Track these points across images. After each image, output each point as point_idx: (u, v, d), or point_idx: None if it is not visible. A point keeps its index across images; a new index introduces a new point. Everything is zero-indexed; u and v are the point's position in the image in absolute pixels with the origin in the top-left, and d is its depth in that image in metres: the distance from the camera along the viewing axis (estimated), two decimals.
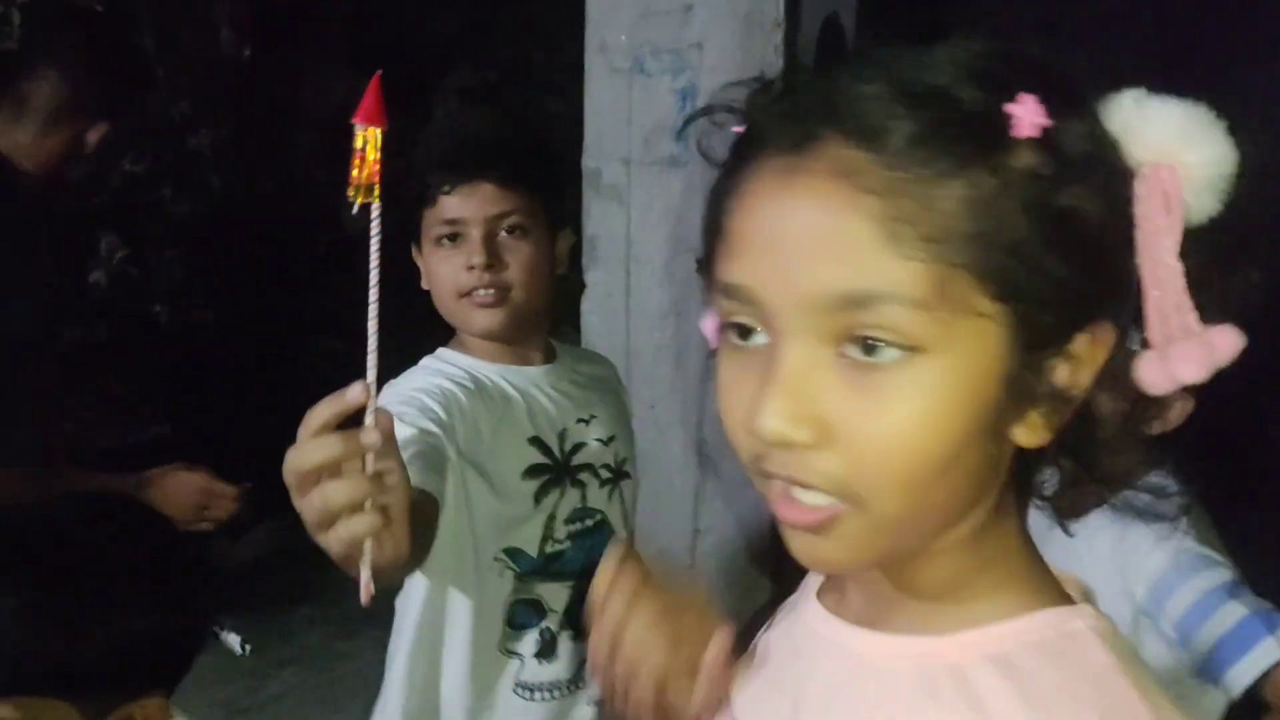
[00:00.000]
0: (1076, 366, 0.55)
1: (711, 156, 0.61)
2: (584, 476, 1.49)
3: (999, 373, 0.53)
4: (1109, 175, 0.54)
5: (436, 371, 1.42)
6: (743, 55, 2.43)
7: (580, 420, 1.51)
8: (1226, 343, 0.54)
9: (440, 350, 1.48)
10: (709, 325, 0.63)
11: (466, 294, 1.39)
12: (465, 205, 1.38)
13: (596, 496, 1.50)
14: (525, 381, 1.47)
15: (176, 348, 4.04)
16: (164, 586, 2.32)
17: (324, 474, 0.76)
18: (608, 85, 2.54)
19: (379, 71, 0.78)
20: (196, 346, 4.03)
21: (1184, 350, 0.54)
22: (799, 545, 0.58)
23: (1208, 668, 1.34)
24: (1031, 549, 0.62)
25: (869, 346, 0.52)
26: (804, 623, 0.69)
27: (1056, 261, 0.52)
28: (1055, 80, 0.55)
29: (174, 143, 4.02)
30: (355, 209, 0.79)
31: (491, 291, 1.39)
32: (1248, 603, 1.34)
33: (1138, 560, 1.37)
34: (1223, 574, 1.37)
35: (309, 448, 0.76)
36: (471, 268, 1.37)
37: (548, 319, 1.54)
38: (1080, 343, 0.55)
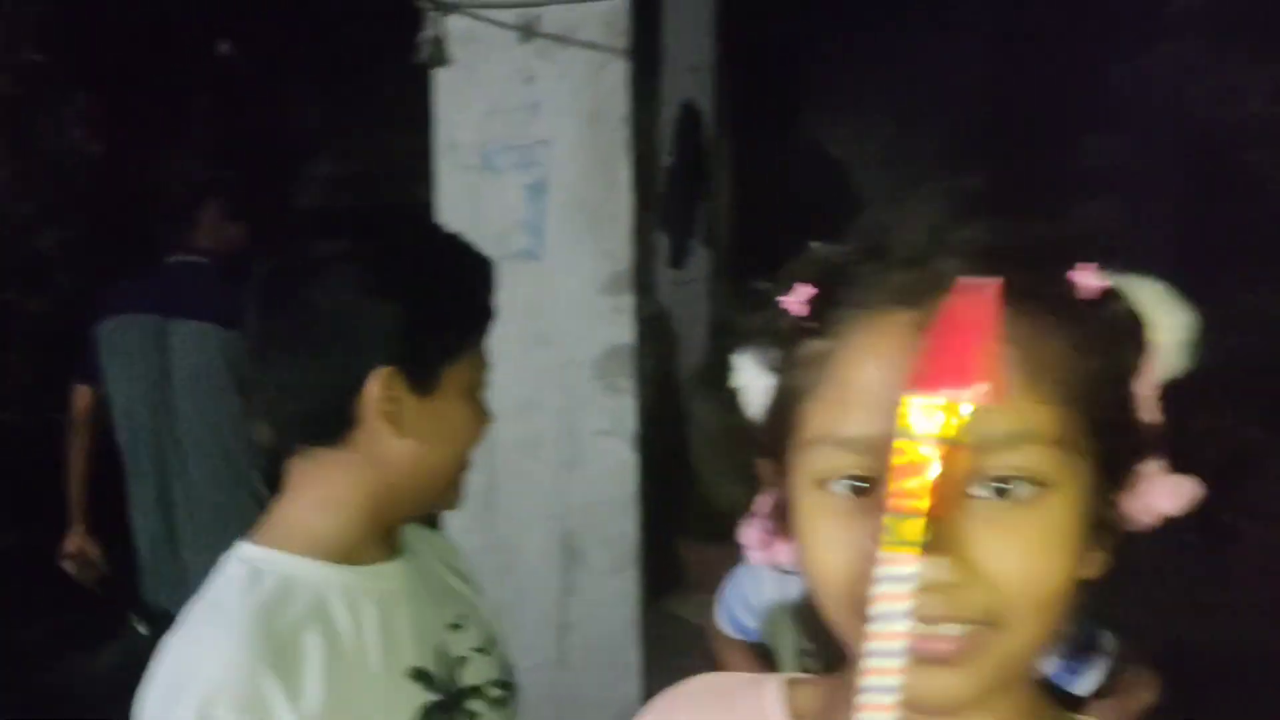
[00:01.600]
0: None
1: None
2: (475, 705, 1.12)
3: (1091, 506, 0.59)
4: (1137, 332, 0.61)
5: (259, 612, 0.96)
6: (591, 151, 2.49)
7: (452, 627, 1.14)
8: (1187, 488, 0.62)
9: (241, 548, 1.04)
10: (753, 532, 0.68)
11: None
12: (478, 371, 1.17)
13: None
14: (380, 585, 1.07)
15: (27, 452, 3.86)
16: None
17: None
18: (458, 181, 2.56)
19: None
20: (47, 451, 3.86)
21: (1160, 487, 0.61)
22: (924, 680, 0.54)
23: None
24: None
25: (1001, 486, 0.55)
26: None
27: (1126, 406, 0.60)
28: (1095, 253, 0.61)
29: (20, 243, 3.89)
30: None
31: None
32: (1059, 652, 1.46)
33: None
34: None
35: None
36: None
37: None
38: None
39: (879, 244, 0.60)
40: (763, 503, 0.66)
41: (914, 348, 0.53)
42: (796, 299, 0.62)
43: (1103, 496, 0.59)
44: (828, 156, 5.95)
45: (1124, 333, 0.59)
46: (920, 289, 0.56)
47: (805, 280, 0.62)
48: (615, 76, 2.47)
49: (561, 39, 2.49)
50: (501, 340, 2.60)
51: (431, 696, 1.06)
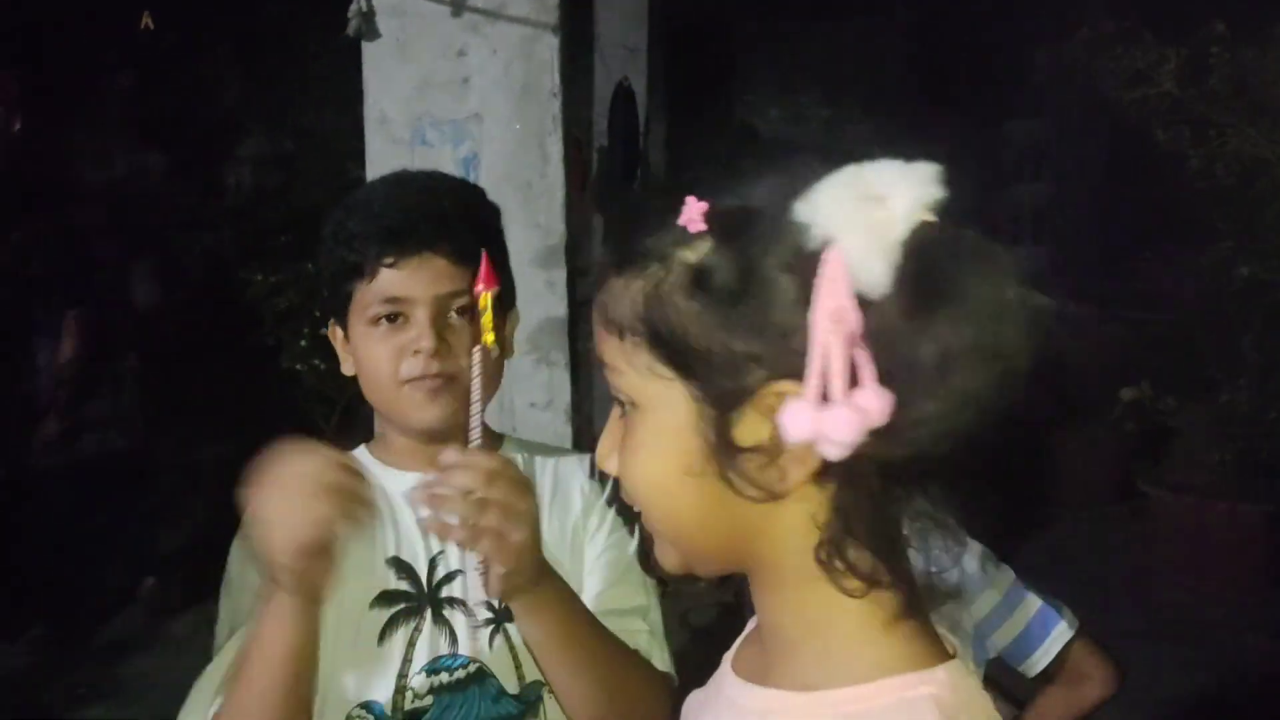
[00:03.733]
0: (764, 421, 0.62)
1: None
2: (452, 613, 1.20)
3: (691, 425, 0.64)
4: (747, 262, 0.61)
5: None
6: (521, 125, 2.49)
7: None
8: (877, 406, 0.57)
9: (354, 453, 1.26)
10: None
11: (409, 381, 1.18)
12: (412, 281, 1.17)
13: (469, 640, 1.20)
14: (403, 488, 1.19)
15: None
16: None
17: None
18: (390, 156, 2.55)
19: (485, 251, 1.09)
20: None
21: (836, 412, 0.58)
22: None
23: (1012, 656, 1.59)
24: (905, 611, 0.66)
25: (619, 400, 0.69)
26: (715, 680, 0.79)
27: (728, 335, 0.61)
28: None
29: None
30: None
31: (439, 380, 1.17)
32: (1036, 594, 1.59)
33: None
34: (1008, 574, 1.58)
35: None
36: (417, 352, 1.16)
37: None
38: (766, 396, 0.61)
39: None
40: None
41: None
42: None
43: (714, 419, 0.62)
44: (760, 136, 6.01)
45: (718, 266, 0.62)
46: None
47: None
48: (546, 51, 2.48)
49: (492, 14, 2.48)
50: None
51: (398, 586, 1.18)
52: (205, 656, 1.19)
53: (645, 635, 1.25)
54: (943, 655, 0.66)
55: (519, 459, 1.29)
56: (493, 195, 2.47)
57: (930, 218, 0.58)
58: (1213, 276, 4.01)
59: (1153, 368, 4.31)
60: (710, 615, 4.49)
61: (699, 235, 0.62)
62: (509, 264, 1.30)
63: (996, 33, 5.35)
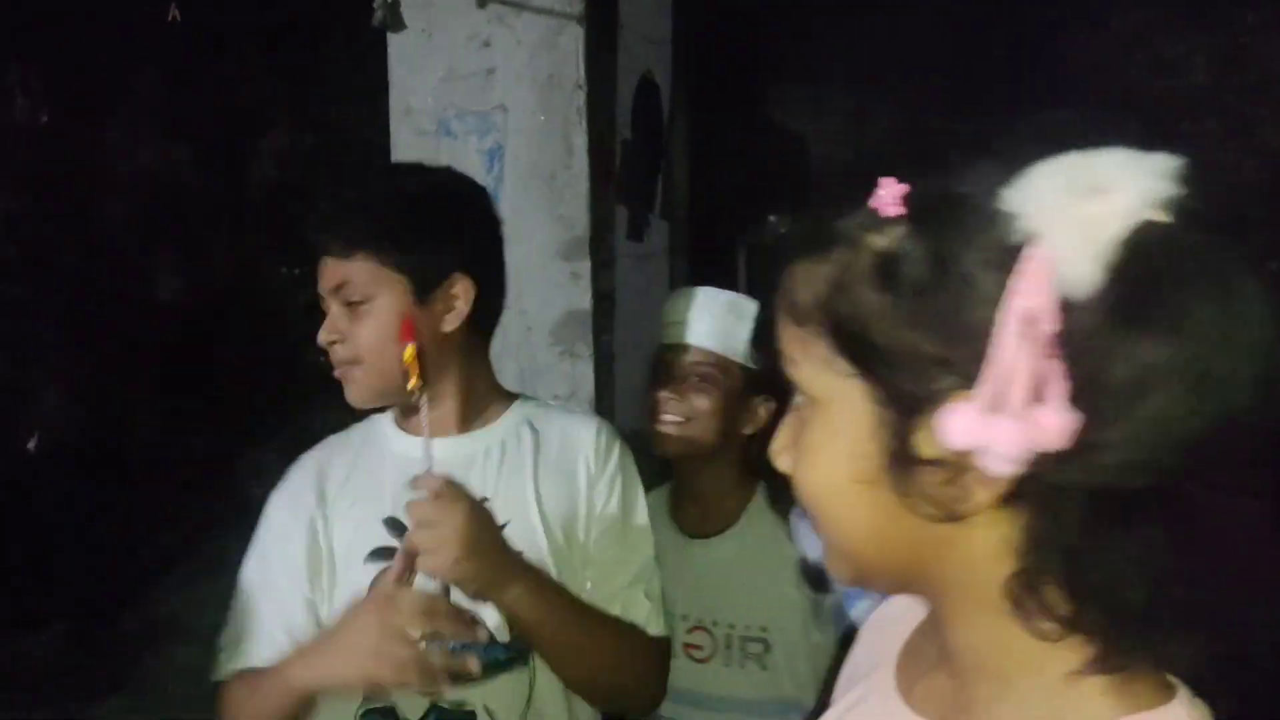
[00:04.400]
0: None
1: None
2: None
3: (865, 424, 0.59)
4: (944, 252, 0.55)
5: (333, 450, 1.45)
6: (547, 116, 2.47)
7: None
8: (1057, 425, 0.51)
9: (375, 416, 1.47)
10: None
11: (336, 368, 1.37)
12: (320, 280, 1.36)
13: (459, 596, 1.29)
14: (425, 456, 1.29)
15: None
16: None
17: None
18: (415, 147, 2.54)
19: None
20: None
21: (1006, 423, 0.52)
22: None
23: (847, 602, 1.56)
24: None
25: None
26: (878, 711, 0.68)
27: (914, 329, 0.55)
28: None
29: None
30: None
31: (343, 368, 1.35)
32: None
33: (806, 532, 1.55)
34: None
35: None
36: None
37: (451, 385, 1.40)
38: None
39: None
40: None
41: None
42: None
43: (892, 421, 0.56)
44: (785, 129, 5.96)
45: (912, 255, 0.55)
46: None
47: None
48: (571, 42, 2.46)
49: (517, 4, 2.47)
50: None
51: (390, 543, 1.33)
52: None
53: (645, 607, 1.37)
54: (1168, 688, 0.59)
55: (527, 417, 1.45)
56: (517, 187, 2.49)
57: (1159, 216, 0.51)
58: None
59: None
60: None
61: (892, 220, 0.56)
62: (436, 246, 1.37)
63: (1025, 24, 5.28)
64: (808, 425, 0.61)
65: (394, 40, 2.53)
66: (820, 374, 0.59)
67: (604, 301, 2.64)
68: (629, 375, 4.18)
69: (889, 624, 0.74)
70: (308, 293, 4.36)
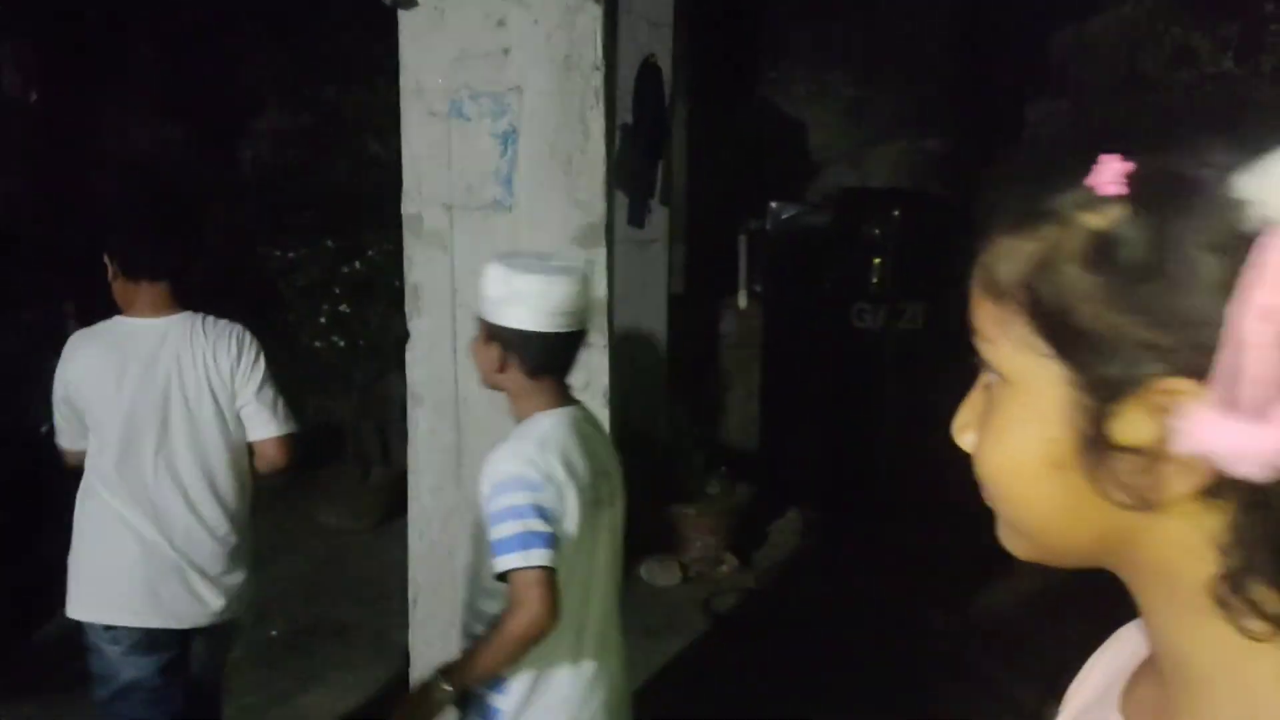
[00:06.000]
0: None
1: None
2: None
3: (1059, 413, 0.57)
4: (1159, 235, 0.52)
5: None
6: (563, 98, 2.41)
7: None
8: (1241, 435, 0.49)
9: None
10: None
11: None
12: None
13: None
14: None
15: None
16: None
17: None
18: (426, 129, 2.48)
19: None
20: None
21: (1253, 427, 0.49)
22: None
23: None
24: None
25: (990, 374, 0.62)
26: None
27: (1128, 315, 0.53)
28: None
29: None
30: None
31: None
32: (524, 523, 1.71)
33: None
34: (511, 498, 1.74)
35: None
36: None
37: None
38: (1157, 392, 0.55)
39: None
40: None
41: None
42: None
43: (1091, 409, 0.54)
44: (785, 115, 5.91)
45: (1132, 237, 0.53)
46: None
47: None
48: (589, 22, 2.40)
49: None
50: (472, 294, 2.54)
51: None
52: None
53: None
54: None
55: None
56: (532, 171, 2.43)
57: None
58: None
59: None
60: (731, 601, 4.46)
61: (1111, 199, 0.54)
62: None
63: (1034, 10, 5.23)
64: (997, 405, 0.60)
65: (405, 17, 2.46)
66: (1017, 353, 0.58)
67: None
68: (625, 362, 4.12)
69: (1123, 643, 0.73)
70: (303, 276, 4.29)
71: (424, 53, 2.46)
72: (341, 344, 4.68)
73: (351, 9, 4.07)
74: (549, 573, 1.66)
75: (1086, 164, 0.55)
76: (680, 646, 3.83)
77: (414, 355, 2.58)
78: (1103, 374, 0.54)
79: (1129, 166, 0.54)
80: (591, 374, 2.48)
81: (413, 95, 2.49)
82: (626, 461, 2.04)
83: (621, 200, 4.59)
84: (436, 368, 2.54)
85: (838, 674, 3.51)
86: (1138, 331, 0.52)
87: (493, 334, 1.88)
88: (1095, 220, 0.54)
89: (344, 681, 3.60)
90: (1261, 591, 0.53)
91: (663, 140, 4.90)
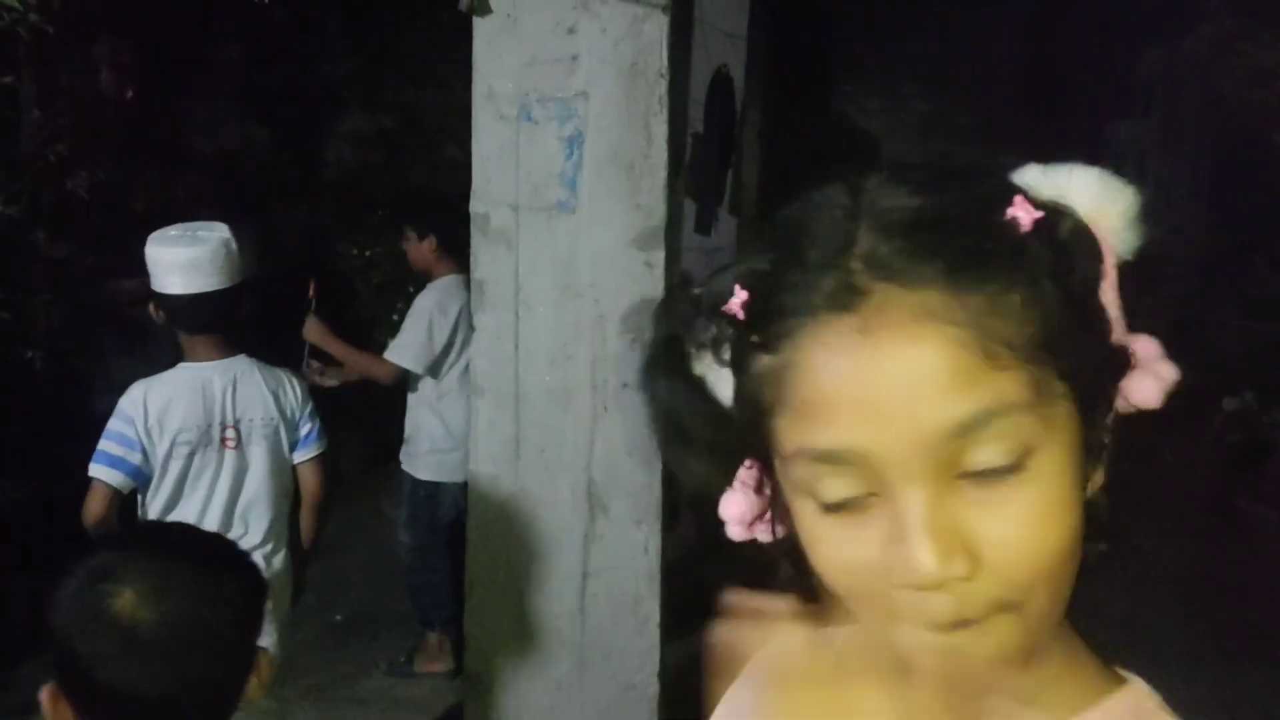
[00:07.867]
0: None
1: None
2: None
3: (1079, 442, 0.56)
4: (1087, 241, 0.57)
5: None
6: (628, 104, 2.48)
7: None
8: (1148, 350, 0.59)
9: None
10: (734, 507, 0.64)
11: None
12: None
13: None
14: None
15: (50, 394, 3.89)
16: None
17: None
18: (495, 132, 2.56)
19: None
20: (70, 392, 3.89)
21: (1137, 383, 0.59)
22: (948, 643, 0.55)
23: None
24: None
25: (989, 469, 0.53)
26: None
27: (1090, 328, 0.56)
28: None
29: (50, 185, 3.90)
30: None
31: None
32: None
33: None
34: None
35: None
36: None
37: None
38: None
39: (796, 250, 0.56)
40: (747, 476, 0.63)
41: (859, 352, 0.52)
42: (736, 303, 0.58)
43: (1089, 425, 0.56)
44: (858, 128, 5.93)
45: (1075, 248, 0.56)
46: (846, 293, 0.53)
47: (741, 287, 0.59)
48: (655, 30, 2.46)
49: None
50: (534, 292, 2.61)
51: None
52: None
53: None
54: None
55: None
56: (596, 174, 2.50)
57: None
58: None
59: (1258, 378, 4.16)
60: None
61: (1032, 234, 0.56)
62: None
63: (1110, 30, 5.18)
64: (1020, 489, 0.53)
65: (479, 24, 2.55)
66: (1040, 408, 0.53)
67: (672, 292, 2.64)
68: None
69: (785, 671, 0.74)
70: (378, 274, 4.41)
71: (496, 58, 2.55)
72: None
73: (431, 12, 4.19)
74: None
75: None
76: None
77: (477, 348, 2.66)
78: (1090, 381, 0.56)
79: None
80: None
81: (484, 98, 2.57)
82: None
83: (690, 208, 4.64)
84: (498, 361, 2.61)
85: None
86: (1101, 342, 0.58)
87: (156, 302, 2.30)
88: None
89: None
90: None
91: (732, 150, 4.94)
